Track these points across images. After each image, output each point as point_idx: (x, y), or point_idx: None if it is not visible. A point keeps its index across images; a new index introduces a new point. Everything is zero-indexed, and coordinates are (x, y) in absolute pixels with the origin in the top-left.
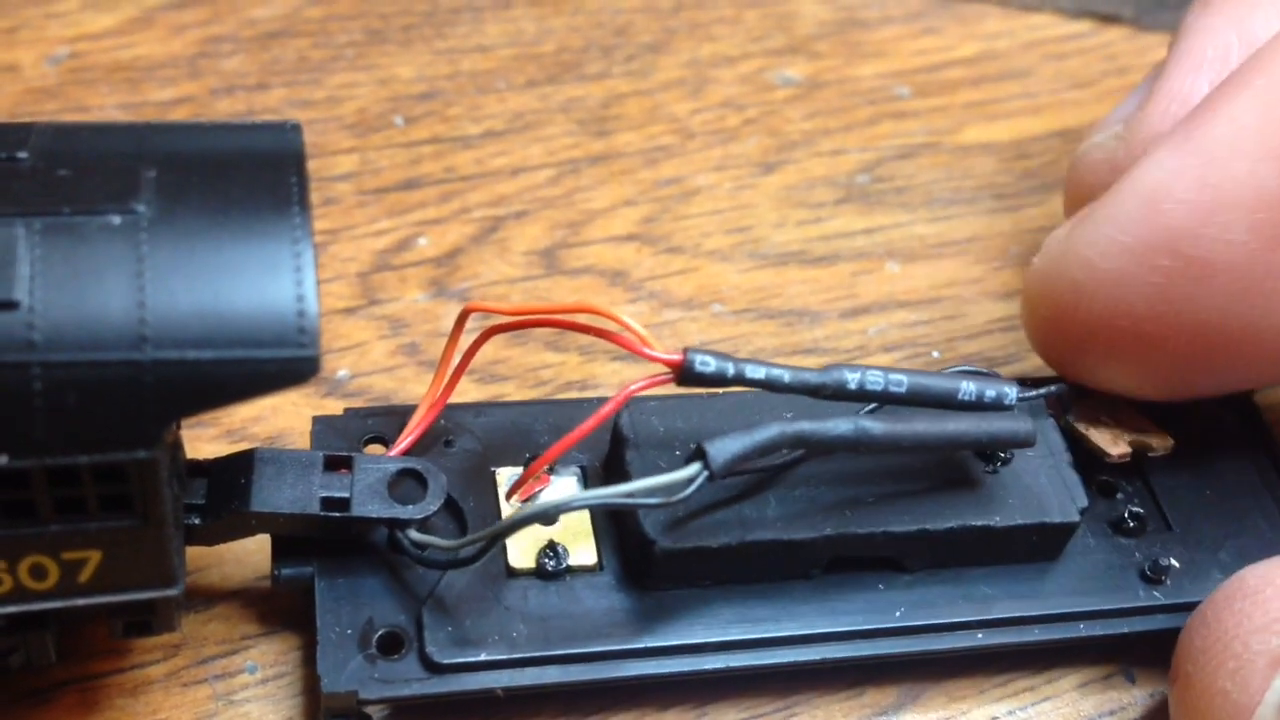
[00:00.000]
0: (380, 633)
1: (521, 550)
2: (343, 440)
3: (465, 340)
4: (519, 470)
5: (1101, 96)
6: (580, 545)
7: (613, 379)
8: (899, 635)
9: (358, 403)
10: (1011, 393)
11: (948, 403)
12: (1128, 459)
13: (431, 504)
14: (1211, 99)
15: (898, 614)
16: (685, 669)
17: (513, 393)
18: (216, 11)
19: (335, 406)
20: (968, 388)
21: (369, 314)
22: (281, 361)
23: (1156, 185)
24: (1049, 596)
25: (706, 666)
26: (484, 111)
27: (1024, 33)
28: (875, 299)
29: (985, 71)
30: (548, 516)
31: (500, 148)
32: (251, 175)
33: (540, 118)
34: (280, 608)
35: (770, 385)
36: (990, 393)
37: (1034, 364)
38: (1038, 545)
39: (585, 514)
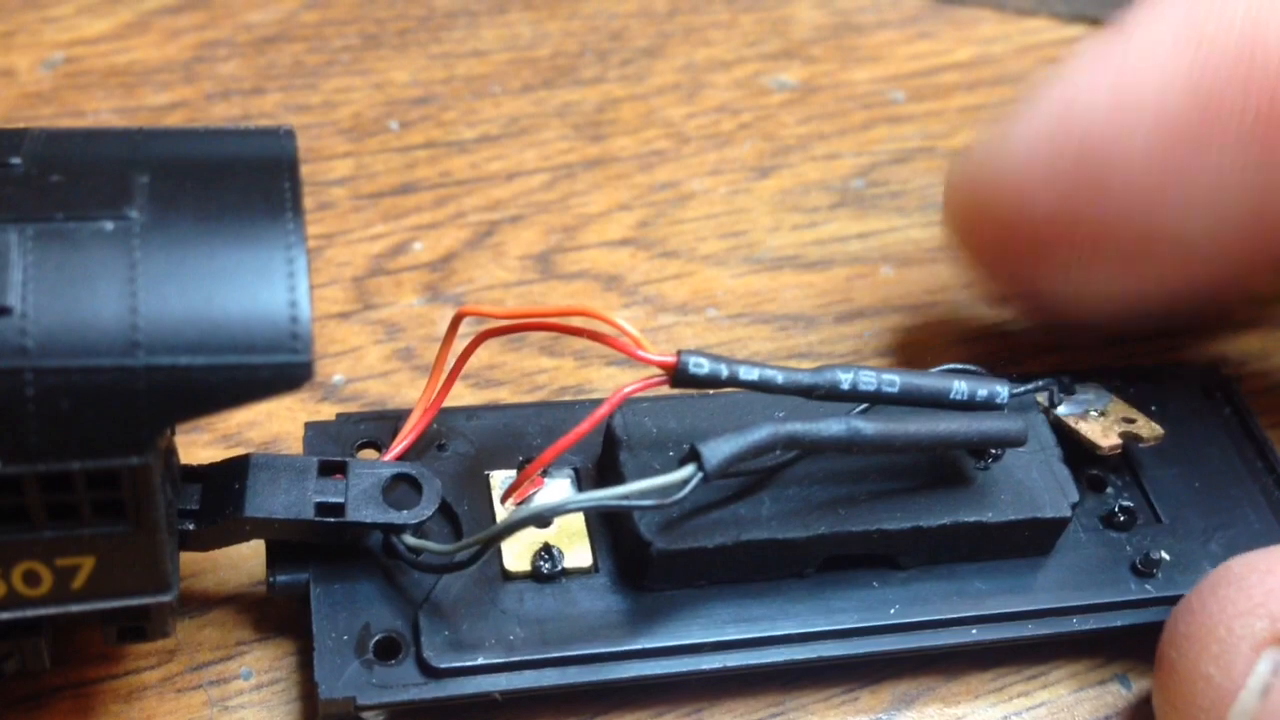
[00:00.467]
0: (377, 638)
1: (516, 553)
2: (335, 446)
3: (459, 345)
4: (513, 473)
5: None
6: (575, 547)
7: (608, 384)
8: (894, 632)
9: (352, 408)
10: (1003, 391)
11: (940, 402)
12: (1119, 450)
13: (426, 509)
14: (1131, 17)
15: (892, 611)
16: (682, 669)
17: (507, 398)
18: (212, 16)
19: (330, 412)
20: (959, 387)
21: (364, 319)
22: (274, 367)
23: (1071, 90)
24: (1042, 591)
25: (703, 666)
26: (479, 116)
27: (1019, 37)
28: (870, 303)
29: (980, 76)
30: (542, 519)
31: (495, 152)
32: (244, 181)
33: (535, 122)
34: (275, 613)
35: (764, 386)
36: (982, 392)
37: (1028, 368)
38: (1030, 540)
39: (580, 516)
